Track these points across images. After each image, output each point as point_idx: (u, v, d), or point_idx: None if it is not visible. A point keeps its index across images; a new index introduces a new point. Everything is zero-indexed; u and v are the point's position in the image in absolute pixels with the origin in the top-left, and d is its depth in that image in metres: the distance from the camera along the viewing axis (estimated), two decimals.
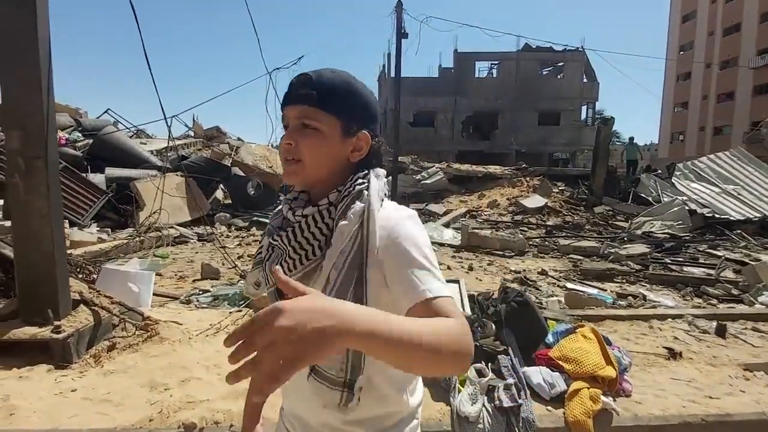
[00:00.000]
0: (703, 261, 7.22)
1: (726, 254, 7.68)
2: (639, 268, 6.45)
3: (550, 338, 2.54)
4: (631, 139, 15.34)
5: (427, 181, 13.49)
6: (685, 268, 6.63)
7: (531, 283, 5.66)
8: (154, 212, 7.82)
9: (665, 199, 11.50)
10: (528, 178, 13.64)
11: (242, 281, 5.08)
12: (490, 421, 2.06)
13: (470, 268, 6.61)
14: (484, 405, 2.11)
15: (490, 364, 2.33)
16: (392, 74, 26.36)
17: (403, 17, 10.72)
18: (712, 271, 6.25)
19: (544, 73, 28.20)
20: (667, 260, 7.07)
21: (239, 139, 16.06)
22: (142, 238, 7.31)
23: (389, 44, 27.58)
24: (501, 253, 7.79)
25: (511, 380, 2.22)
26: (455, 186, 13.97)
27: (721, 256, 7.47)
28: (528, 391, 2.21)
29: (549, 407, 2.19)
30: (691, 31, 35.07)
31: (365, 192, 0.76)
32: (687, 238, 9.30)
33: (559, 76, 28.12)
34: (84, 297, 2.81)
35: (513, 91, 26.14)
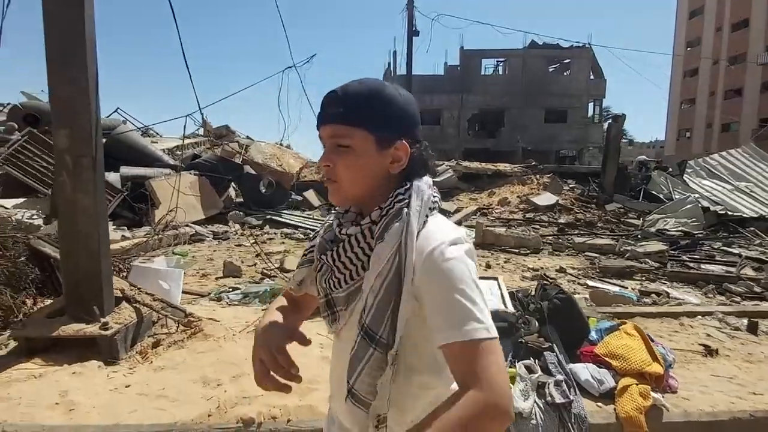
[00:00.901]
0: (719, 258, 7.20)
1: (741, 251, 7.66)
2: (658, 266, 6.44)
3: (593, 335, 2.55)
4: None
5: (437, 179, 13.48)
6: (702, 266, 6.61)
7: (551, 280, 5.66)
8: (171, 210, 7.86)
9: (677, 197, 11.45)
10: (538, 176, 13.60)
11: (267, 279, 5.11)
12: (542, 416, 2.07)
13: (487, 266, 6.62)
14: (535, 401, 2.12)
15: (536, 360, 2.34)
16: (399, 72, 26.42)
17: (414, 15, 10.69)
18: (730, 269, 6.23)
19: (551, 70, 28.08)
20: (685, 258, 7.05)
21: (248, 137, 16.09)
22: (160, 236, 7.35)
23: (395, 42, 27.48)
24: (516, 250, 7.80)
25: (560, 377, 2.23)
26: (465, 184, 13.96)
27: (736, 253, 7.45)
28: (577, 388, 2.22)
29: (599, 403, 2.20)
30: (699, 26, 34.82)
31: (404, 210, 0.73)
32: (701, 235, 9.27)
33: (565, 73, 28.00)
34: (126, 294, 2.84)
35: (519, 88, 26.06)
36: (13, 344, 2.64)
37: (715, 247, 8.33)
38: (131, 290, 2.87)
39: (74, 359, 2.46)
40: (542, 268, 6.53)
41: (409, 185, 0.77)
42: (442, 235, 0.72)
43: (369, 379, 0.71)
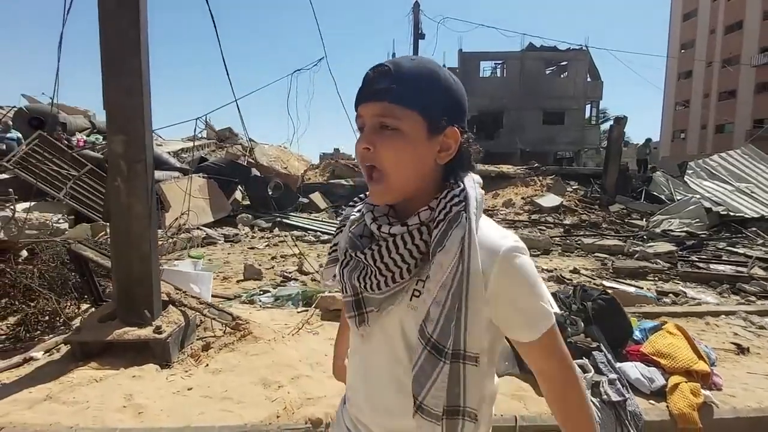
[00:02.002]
0: (726, 258, 7.32)
1: (746, 251, 7.79)
2: (669, 266, 6.54)
3: (637, 334, 2.61)
4: (648, 140, 15.45)
5: None
6: (711, 266, 6.72)
7: (567, 281, 5.74)
8: (183, 213, 7.86)
9: (678, 198, 11.63)
10: (541, 177, 13.73)
11: (291, 282, 5.14)
12: (599, 415, 2.13)
13: None
14: (591, 400, 2.18)
15: (586, 360, 2.40)
16: None
17: (420, 19, 10.78)
18: (740, 269, 6.35)
19: (548, 72, 28.33)
20: (694, 258, 7.17)
21: (251, 140, 16.07)
22: (174, 239, 7.35)
23: (394, 44, 27.54)
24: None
25: (612, 375, 2.29)
26: None
27: (741, 253, 7.59)
28: (628, 386, 2.29)
29: (651, 401, 2.27)
30: (693, 29, 35.30)
31: (463, 214, 0.68)
32: (704, 235, 9.42)
33: (563, 75, 28.27)
34: (171, 297, 2.86)
35: (517, 90, 26.27)
36: (64, 348, 2.66)
37: (720, 247, 8.47)
38: (177, 294, 2.90)
39: (129, 363, 2.48)
40: (556, 269, 6.61)
41: (462, 186, 0.72)
42: (503, 239, 0.71)
43: (439, 392, 0.68)
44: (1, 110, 12.93)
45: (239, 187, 11.31)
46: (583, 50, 25.48)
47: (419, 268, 0.71)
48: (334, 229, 0.91)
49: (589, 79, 27.39)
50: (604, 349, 2.46)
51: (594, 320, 2.58)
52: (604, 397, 2.19)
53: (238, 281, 5.40)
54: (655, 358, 2.41)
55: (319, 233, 9.16)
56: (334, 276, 0.86)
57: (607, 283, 5.66)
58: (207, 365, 2.47)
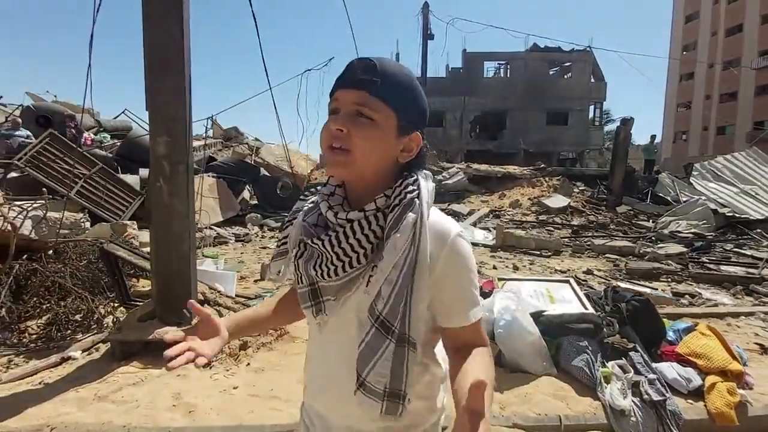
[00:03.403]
0: (735, 260, 7.37)
1: (753, 253, 7.84)
2: (681, 268, 6.58)
3: (671, 335, 2.65)
4: (653, 137, 15.42)
5: (449, 182, 13.60)
6: (721, 267, 6.76)
7: (582, 282, 5.78)
8: (195, 212, 7.87)
9: (684, 199, 11.68)
10: (547, 178, 13.77)
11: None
12: (641, 414, 2.17)
13: (515, 268, 6.72)
14: (632, 400, 2.22)
15: (624, 360, 2.43)
16: None
17: (429, 19, 10.80)
18: (751, 270, 6.39)
19: (551, 72, 28.36)
20: (704, 259, 7.21)
21: (256, 139, 16.09)
22: None
23: (398, 44, 27.51)
24: (537, 252, 7.91)
25: (651, 375, 2.33)
26: (475, 186, 14.10)
27: (749, 255, 7.64)
28: (666, 386, 2.32)
29: (689, 400, 2.30)
30: (695, 31, 35.39)
31: (416, 201, 0.72)
32: (711, 237, 9.47)
33: (566, 76, 28.31)
34: (206, 297, 2.89)
35: (521, 90, 26.29)
36: (103, 348, 2.68)
37: (727, 248, 8.52)
38: (211, 293, 2.92)
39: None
40: (569, 269, 6.64)
41: (416, 177, 0.76)
42: (452, 226, 0.77)
43: (383, 370, 0.71)
44: (4, 108, 12.93)
45: (247, 186, 11.33)
46: (586, 51, 25.51)
47: (374, 254, 0.73)
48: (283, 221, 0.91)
49: (592, 80, 27.44)
50: (640, 350, 2.49)
51: (628, 321, 2.62)
52: (645, 396, 2.22)
53: (255, 281, 5.41)
54: (691, 358, 2.45)
55: None
56: (279, 271, 0.89)
57: (622, 284, 5.70)
58: (248, 364, 2.49)
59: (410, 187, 0.74)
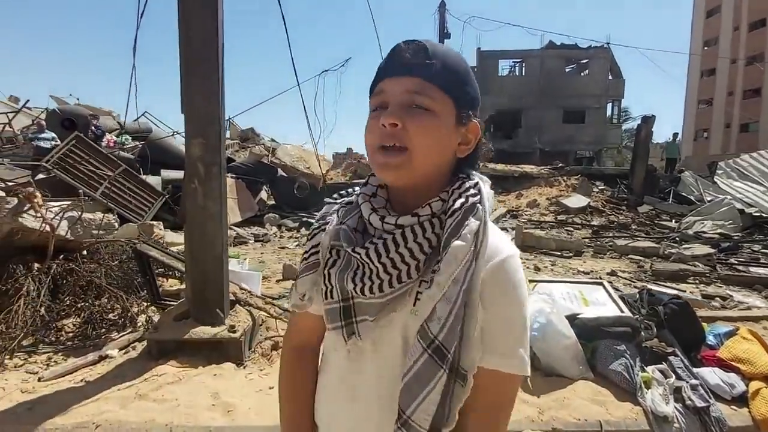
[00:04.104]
0: (765, 261, 7.16)
1: None
2: (709, 269, 6.42)
3: (711, 339, 2.58)
4: (675, 135, 15.09)
5: None
6: (751, 269, 6.58)
7: (610, 283, 5.68)
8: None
9: (708, 199, 11.39)
10: (565, 178, 13.57)
11: None
12: (684, 420, 2.11)
13: (536, 269, 6.64)
14: (674, 405, 2.16)
15: (665, 364, 2.38)
16: None
17: (445, 18, 10.77)
18: None
19: (567, 70, 27.96)
20: (733, 260, 7.02)
21: (272, 140, 16.25)
22: None
23: None
24: (558, 253, 7.80)
25: (693, 381, 2.27)
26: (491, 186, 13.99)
27: None
28: (709, 392, 2.26)
29: (733, 407, 2.23)
30: (716, 26, 34.48)
31: (479, 206, 0.62)
32: (737, 237, 9.21)
33: (583, 74, 27.88)
34: (237, 297, 2.92)
35: (537, 89, 25.99)
36: (139, 346, 2.74)
37: (755, 249, 8.29)
38: (242, 293, 2.95)
39: (204, 361, 2.54)
40: (592, 270, 6.54)
41: (475, 179, 0.67)
42: (507, 244, 0.65)
43: (431, 406, 0.58)
44: (30, 112, 13.31)
45: (264, 187, 11.44)
46: (604, 48, 25.08)
47: (426, 267, 0.62)
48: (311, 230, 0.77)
49: (610, 77, 26.96)
50: (680, 354, 2.43)
51: (666, 325, 2.56)
52: (688, 402, 2.17)
53: (277, 281, 5.46)
54: (734, 363, 2.38)
55: None
56: (304, 294, 0.72)
57: (649, 286, 5.59)
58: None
59: (472, 191, 0.64)
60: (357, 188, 0.75)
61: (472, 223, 0.59)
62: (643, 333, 2.49)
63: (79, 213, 3.25)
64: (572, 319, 2.52)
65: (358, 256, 0.63)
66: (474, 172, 0.70)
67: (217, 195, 2.57)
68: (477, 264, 0.59)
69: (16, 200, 2.91)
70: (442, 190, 0.66)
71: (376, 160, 0.63)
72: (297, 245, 8.27)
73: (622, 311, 2.56)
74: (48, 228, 2.96)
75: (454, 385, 0.59)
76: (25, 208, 2.91)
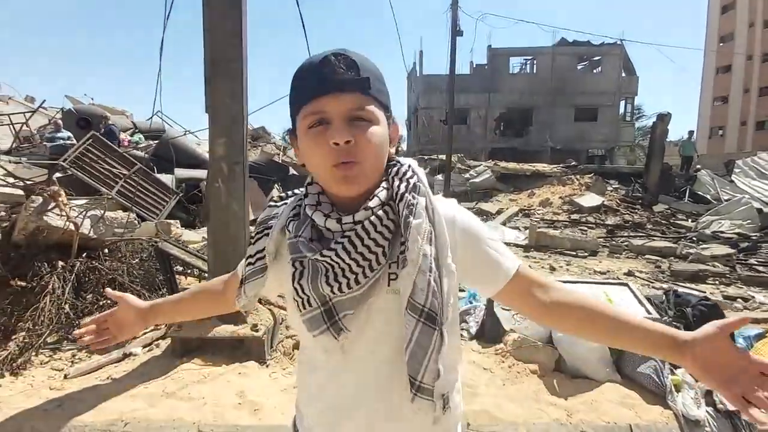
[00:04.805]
0: None
1: None
2: (728, 270, 6.30)
3: (741, 342, 2.52)
4: (691, 133, 14.84)
5: (476, 180, 13.44)
6: None
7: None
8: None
9: (725, 198, 11.19)
10: (578, 176, 13.42)
11: None
12: (716, 424, 2.07)
13: (552, 269, 6.57)
14: (706, 410, 2.12)
15: None
16: (424, 72, 26.29)
17: (458, 15, 10.67)
18: None
19: (579, 67, 27.61)
20: (753, 261, 6.89)
21: (283, 138, 16.32)
22: None
23: (421, 42, 27.37)
24: (573, 253, 7.71)
25: None
26: (503, 184, 13.88)
27: None
28: None
29: (763, 410, 2.18)
30: (731, 22, 33.81)
31: (419, 184, 0.70)
32: (756, 237, 9.03)
33: (595, 71, 27.51)
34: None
35: (548, 86, 25.71)
36: (163, 344, 2.76)
37: None
38: None
39: (227, 359, 2.55)
40: (609, 270, 6.46)
41: (405, 163, 0.74)
42: (450, 202, 0.76)
43: (434, 365, 0.65)
44: (46, 112, 13.53)
45: (276, 185, 11.49)
46: (617, 44, 24.72)
47: (391, 251, 0.68)
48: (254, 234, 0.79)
49: (623, 75, 26.56)
50: None
51: (695, 327, 2.50)
52: (719, 405, 2.12)
53: None
54: None
55: None
56: (255, 294, 0.77)
57: (666, 287, 5.50)
58: None
59: (409, 173, 0.71)
60: (293, 193, 0.81)
61: (420, 201, 0.67)
62: None
63: (102, 211, 3.28)
64: None
65: (328, 258, 0.66)
66: (397, 157, 0.76)
67: (240, 194, 2.57)
68: (437, 231, 0.68)
69: (41, 199, 2.95)
70: (380, 181, 0.71)
71: (333, 176, 0.66)
72: None
73: (649, 313, 2.52)
74: (72, 226, 2.99)
75: (443, 337, 0.66)
76: (50, 207, 2.95)
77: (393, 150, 0.74)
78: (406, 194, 0.67)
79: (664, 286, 5.56)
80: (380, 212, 0.67)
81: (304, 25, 3.12)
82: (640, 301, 2.66)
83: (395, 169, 0.72)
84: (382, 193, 0.69)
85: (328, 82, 0.64)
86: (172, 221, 5.40)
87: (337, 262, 0.66)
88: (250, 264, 0.76)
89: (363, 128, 0.66)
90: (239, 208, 2.58)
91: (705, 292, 5.20)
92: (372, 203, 0.67)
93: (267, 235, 0.76)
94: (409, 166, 0.73)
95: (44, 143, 10.07)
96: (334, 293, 0.67)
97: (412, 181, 0.69)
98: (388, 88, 0.73)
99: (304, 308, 0.69)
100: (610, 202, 11.67)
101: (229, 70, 2.45)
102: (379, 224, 0.67)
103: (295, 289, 0.69)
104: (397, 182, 0.69)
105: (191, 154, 11.14)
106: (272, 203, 0.82)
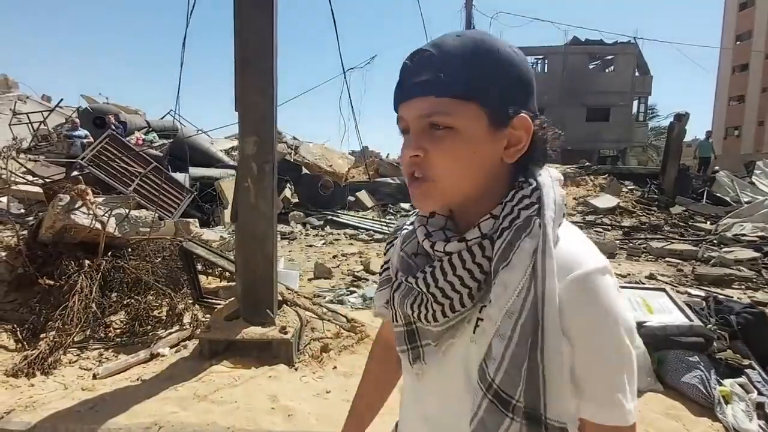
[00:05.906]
0: None
1: None
2: (754, 274, 6.14)
3: None
4: (708, 133, 14.54)
5: None
6: None
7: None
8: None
9: (745, 200, 10.95)
10: (592, 177, 13.25)
11: (362, 281, 5.13)
12: None
13: None
14: (759, 424, 2.03)
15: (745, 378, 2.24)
16: None
17: (472, 14, 10.60)
18: None
19: (591, 66, 27.27)
20: None
21: (294, 138, 16.31)
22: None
23: None
24: None
25: None
26: None
27: None
28: None
29: None
30: (749, 19, 33.15)
31: (535, 220, 0.53)
32: None
33: (608, 70, 27.15)
34: (285, 297, 2.89)
35: (559, 86, 25.44)
36: (190, 345, 2.73)
37: None
38: (289, 293, 2.92)
39: (255, 362, 2.52)
40: (629, 274, 6.33)
41: (534, 183, 0.57)
42: (591, 257, 0.54)
43: None
44: (62, 110, 13.69)
45: (288, 184, 11.49)
46: (630, 43, 24.36)
47: (483, 292, 0.56)
48: (387, 236, 0.77)
49: (637, 74, 26.17)
50: (757, 367, 2.29)
51: (740, 335, 2.41)
52: None
53: (309, 279, 5.45)
54: None
55: (371, 231, 9.16)
56: (387, 301, 0.68)
57: (692, 291, 5.37)
58: (335, 368, 2.46)
59: (525, 201, 0.55)
60: None
61: (525, 244, 0.52)
62: (715, 344, 2.36)
63: (127, 210, 3.27)
64: (638, 327, 2.40)
65: (412, 284, 0.60)
66: (540, 171, 0.60)
67: (269, 194, 2.54)
68: (545, 291, 0.50)
69: (68, 197, 2.94)
70: (497, 202, 0.58)
71: (409, 189, 0.60)
72: (324, 243, 8.26)
73: (690, 319, 2.43)
74: (98, 225, 2.98)
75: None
76: (77, 206, 2.93)
77: (515, 157, 0.58)
78: (507, 231, 0.54)
79: (690, 291, 5.43)
80: (475, 247, 0.56)
81: (336, 31, 3.06)
82: (680, 308, 2.57)
83: (513, 193, 0.57)
84: (485, 223, 0.57)
85: (402, 86, 0.57)
86: (191, 220, 5.40)
87: (421, 289, 0.59)
88: (380, 273, 0.74)
89: (438, 139, 0.55)
90: (267, 209, 2.54)
91: (732, 297, 5.07)
92: (470, 234, 0.57)
93: (393, 245, 0.72)
94: (534, 189, 0.56)
95: (66, 139, 10.20)
96: (415, 318, 0.61)
97: (523, 214, 0.54)
98: (512, 72, 0.56)
99: (395, 321, 0.66)
100: (626, 204, 11.49)
101: (260, 68, 2.41)
102: (469, 261, 0.56)
103: (391, 298, 0.65)
104: (507, 211, 0.56)
105: (205, 152, 11.19)
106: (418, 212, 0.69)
